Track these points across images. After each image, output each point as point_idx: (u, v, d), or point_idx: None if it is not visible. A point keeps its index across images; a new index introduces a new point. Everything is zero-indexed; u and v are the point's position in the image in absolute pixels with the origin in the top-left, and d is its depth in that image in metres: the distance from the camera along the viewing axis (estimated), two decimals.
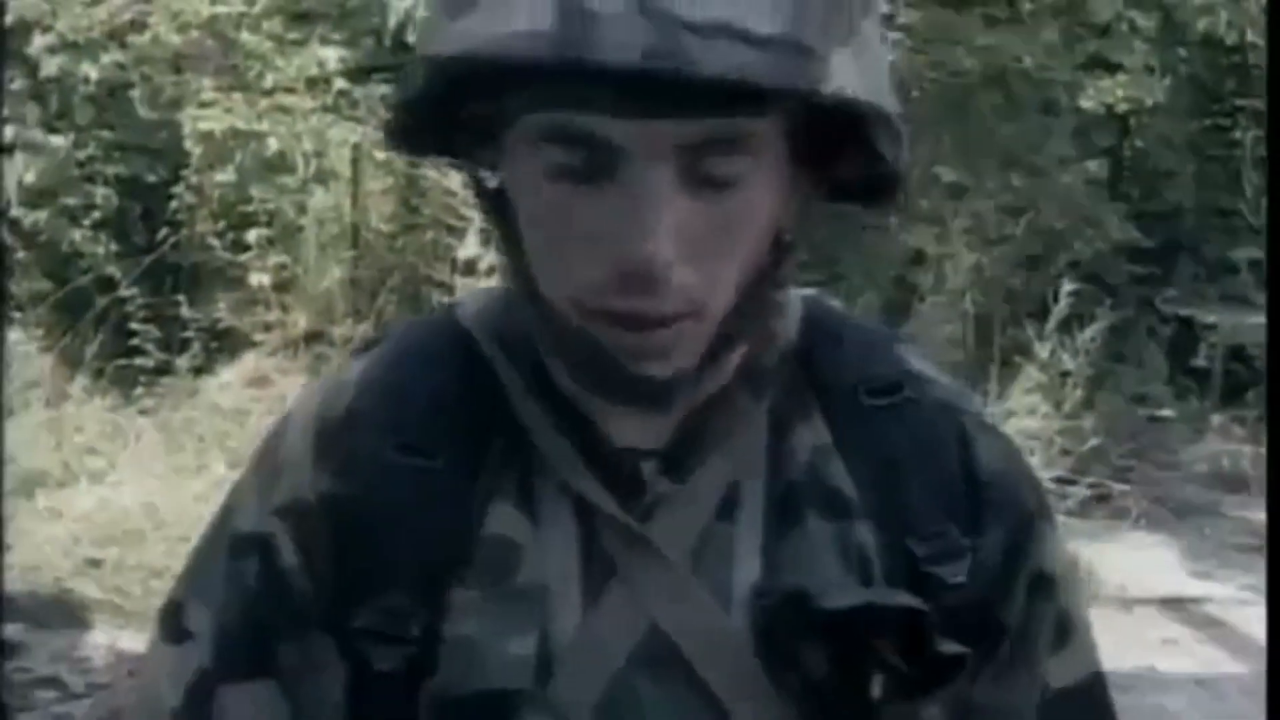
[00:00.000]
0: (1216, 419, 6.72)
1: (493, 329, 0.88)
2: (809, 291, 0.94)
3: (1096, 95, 6.86)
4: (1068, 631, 0.91)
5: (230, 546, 0.88)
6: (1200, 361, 7.08)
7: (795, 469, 0.86)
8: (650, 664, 0.82)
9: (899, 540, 0.85)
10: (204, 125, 6.10)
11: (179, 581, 0.91)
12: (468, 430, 0.85)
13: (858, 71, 0.74)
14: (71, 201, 6.29)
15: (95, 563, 4.58)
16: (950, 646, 0.82)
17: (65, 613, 4.31)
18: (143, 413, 5.76)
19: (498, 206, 0.82)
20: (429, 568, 0.83)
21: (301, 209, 6.34)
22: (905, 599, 0.82)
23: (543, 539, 0.84)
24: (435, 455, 0.84)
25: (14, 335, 5.94)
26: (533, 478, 0.85)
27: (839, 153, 0.81)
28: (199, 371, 6.02)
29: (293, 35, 6.49)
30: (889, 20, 6.79)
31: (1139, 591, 4.97)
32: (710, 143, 0.75)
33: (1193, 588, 5.16)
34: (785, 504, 0.85)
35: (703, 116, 0.73)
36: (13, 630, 4.08)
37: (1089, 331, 5.85)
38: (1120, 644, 4.46)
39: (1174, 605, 4.99)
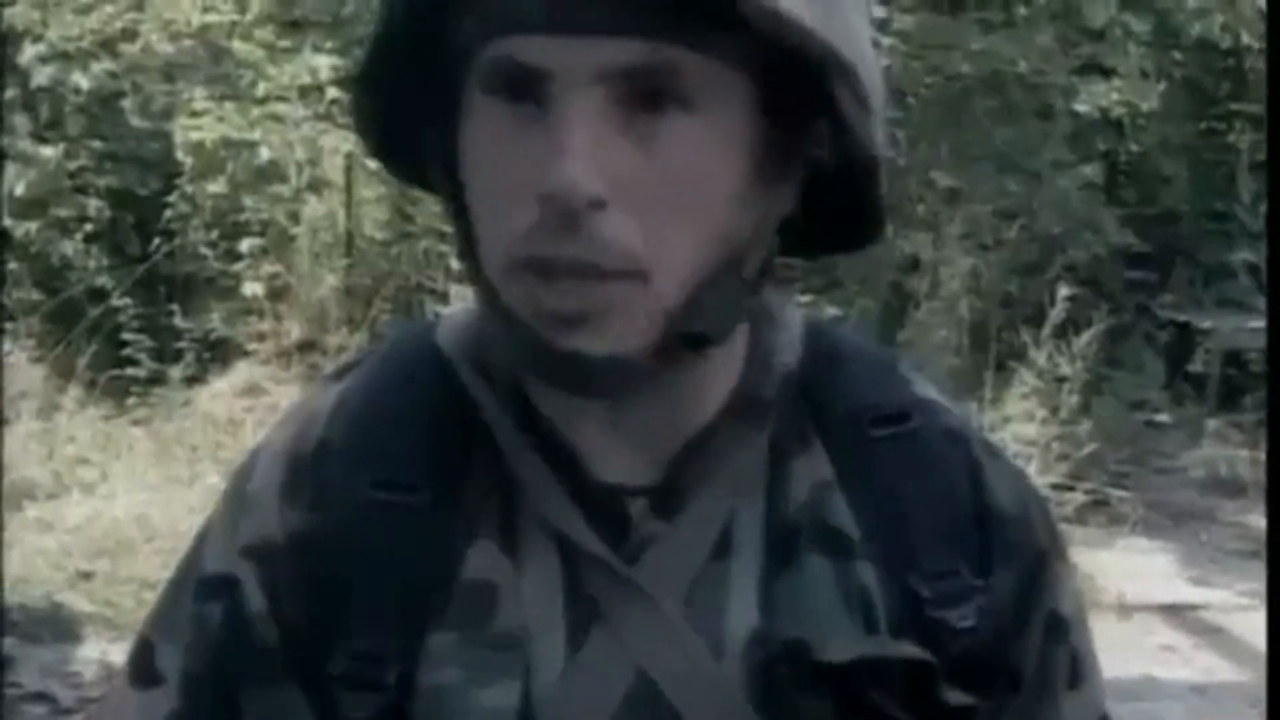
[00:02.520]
0: (1213, 424, 6.69)
1: (472, 353, 0.83)
2: (811, 315, 0.90)
3: (1091, 100, 6.83)
4: (1080, 673, 0.88)
5: (197, 587, 0.84)
6: (1197, 366, 7.05)
7: (794, 506, 0.81)
8: (638, 715, 0.78)
9: (904, 582, 0.80)
10: (195, 135, 6.07)
11: (149, 619, 0.87)
12: (446, 463, 0.81)
13: (807, 5, 0.71)
14: (63, 213, 6.26)
15: (87, 575, 4.55)
16: (957, 697, 0.79)
17: (56, 626, 4.27)
18: (135, 423, 5.74)
19: (456, 192, 0.79)
20: (405, 611, 0.79)
21: (295, 218, 6.31)
22: (909, 650, 0.78)
23: (524, 580, 0.79)
24: (412, 490, 0.80)
25: (5, 346, 5.92)
26: (514, 514, 0.80)
27: (807, 128, 0.77)
28: (192, 381, 5.99)
29: (285, 43, 6.46)
30: (883, 25, 6.77)
31: (1136, 598, 4.94)
32: (647, 74, 0.72)
33: (1191, 594, 5.13)
34: (783, 543, 0.81)
35: (631, 36, 0.71)
36: (3, 645, 4.05)
37: (1085, 337, 5.83)
38: (1118, 651, 4.43)
39: (1172, 612, 4.96)
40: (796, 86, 0.75)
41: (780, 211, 0.78)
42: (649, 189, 0.72)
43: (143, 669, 0.85)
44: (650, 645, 0.78)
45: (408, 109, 0.80)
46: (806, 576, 0.80)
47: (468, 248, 0.79)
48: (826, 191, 0.79)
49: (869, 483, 0.82)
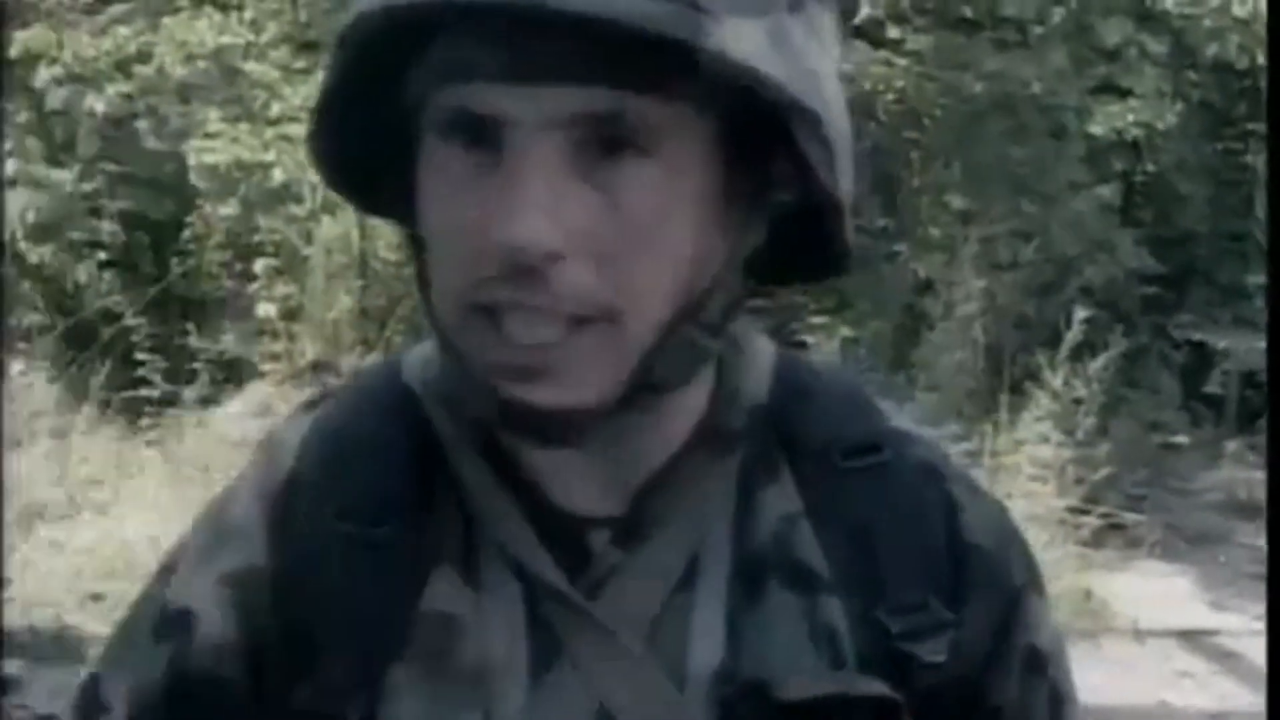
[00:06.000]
0: (1231, 446, 6.64)
1: (435, 385, 0.83)
2: (782, 346, 0.89)
3: (1106, 120, 6.80)
4: (1060, 709, 0.86)
5: (160, 619, 0.83)
6: (1214, 388, 7.01)
7: (761, 539, 0.80)
8: None
9: (872, 616, 0.79)
10: (208, 158, 6.09)
11: (103, 653, 0.86)
12: (408, 494, 0.80)
13: (768, 50, 0.70)
14: (77, 235, 6.29)
15: (97, 597, 4.55)
16: None
17: (65, 648, 4.26)
18: (148, 444, 5.74)
19: (413, 231, 0.79)
20: (368, 643, 0.78)
21: (308, 239, 6.33)
22: (874, 687, 0.77)
23: (486, 613, 0.78)
24: (375, 522, 0.80)
25: (19, 366, 5.93)
26: (477, 545, 0.80)
27: (770, 169, 0.76)
28: (206, 402, 6.00)
29: (299, 64, 6.48)
30: (896, 45, 6.77)
31: (1152, 623, 4.90)
32: (604, 121, 0.71)
33: (1207, 619, 5.08)
34: (749, 577, 0.80)
35: (588, 84, 0.70)
36: (11, 666, 4.05)
37: (1101, 358, 5.80)
38: (1133, 677, 4.40)
39: (1188, 637, 4.92)
40: (758, 130, 0.74)
41: (744, 251, 0.77)
42: (610, 236, 0.72)
43: (88, 702, 0.84)
44: (611, 680, 0.77)
45: (364, 148, 0.79)
46: (772, 611, 0.79)
47: (423, 288, 0.78)
48: (793, 226, 0.78)
49: (838, 515, 0.81)
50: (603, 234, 0.71)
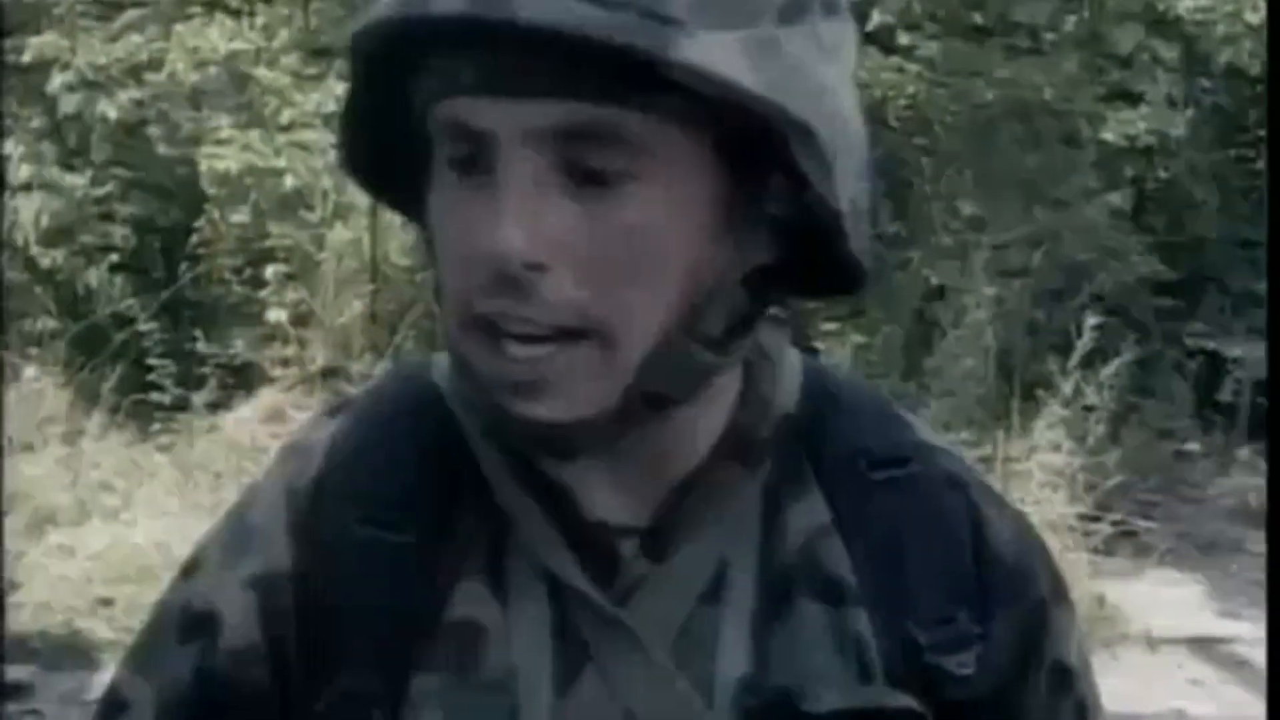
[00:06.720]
0: (1243, 453, 6.63)
1: (461, 389, 0.82)
2: (810, 358, 0.88)
3: (1119, 127, 6.79)
4: None
5: (182, 621, 0.83)
6: (1226, 395, 6.99)
7: (789, 550, 0.80)
8: None
9: (901, 628, 0.79)
10: (219, 164, 6.10)
11: (129, 654, 0.85)
12: (436, 501, 0.80)
13: (748, 62, 0.70)
14: (89, 240, 6.30)
15: (107, 602, 4.56)
16: None
17: (75, 653, 4.28)
18: (159, 449, 5.75)
19: (430, 241, 0.79)
20: (391, 650, 0.78)
21: (320, 244, 6.33)
22: (900, 700, 0.77)
23: (512, 620, 0.78)
24: (401, 528, 0.79)
25: (30, 371, 5.95)
26: (504, 552, 0.79)
27: (768, 184, 0.75)
28: (216, 407, 6.00)
29: (310, 70, 6.49)
30: (908, 52, 6.76)
31: (1165, 631, 4.89)
32: (589, 136, 0.71)
33: (1220, 627, 5.07)
34: (777, 588, 0.79)
35: (570, 99, 0.70)
36: (22, 671, 4.05)
37: (1113, 365, 5.78)
38: (1146, 686, 4.38)
39: (1201, 645, 4.90)
40: (751, 144, 0.73)
41: (746, 265, 0.76)
42: (597, 251, 0.72)
43: (110, 703, 0.84)
44: (638, 690, 0.77)
45: (390, 154, 0.80)
46: (799, 623, 0.79)
47: (439, 298, 0.78)
48: (807, 241, 0.78)
49: (866, 527, 0.81)
50: (586, 247, 0.72)
